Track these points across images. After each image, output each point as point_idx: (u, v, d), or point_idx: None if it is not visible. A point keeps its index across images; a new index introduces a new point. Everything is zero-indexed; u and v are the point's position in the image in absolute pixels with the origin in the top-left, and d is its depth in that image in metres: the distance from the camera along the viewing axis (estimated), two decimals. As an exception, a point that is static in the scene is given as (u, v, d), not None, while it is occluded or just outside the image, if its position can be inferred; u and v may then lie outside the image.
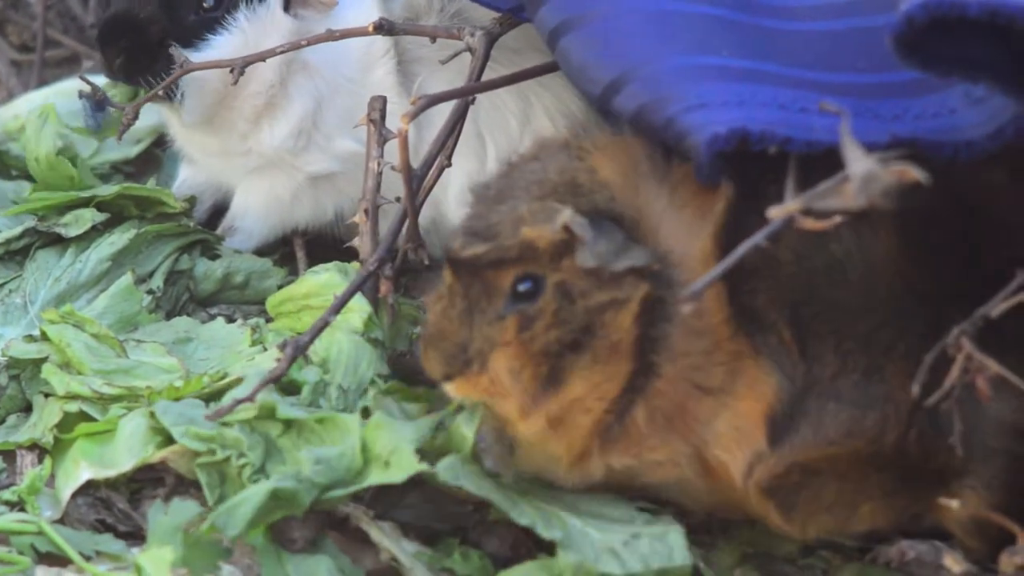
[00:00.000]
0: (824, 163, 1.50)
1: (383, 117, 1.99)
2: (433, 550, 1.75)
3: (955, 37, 1.53)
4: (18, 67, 2.73)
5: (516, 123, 2.18)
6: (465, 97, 1.99)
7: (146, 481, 1.85)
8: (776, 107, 1.65)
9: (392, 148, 1.94)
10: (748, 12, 1.79)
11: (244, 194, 2.26)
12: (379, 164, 1.98)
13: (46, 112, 2.27)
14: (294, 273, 2.19)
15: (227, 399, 1.81)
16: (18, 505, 1.83)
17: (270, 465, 1.76)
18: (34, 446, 1.90)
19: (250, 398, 1.78)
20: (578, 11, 1.79)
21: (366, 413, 1.82)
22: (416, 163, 1.97)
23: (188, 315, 2.12)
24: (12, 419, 1.96)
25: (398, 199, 1.98)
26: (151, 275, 2.13)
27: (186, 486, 1.82)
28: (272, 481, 1.70)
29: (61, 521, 1.81)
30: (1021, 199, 1.70)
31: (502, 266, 1.67)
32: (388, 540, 1.74)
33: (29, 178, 2.27)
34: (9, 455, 1.90)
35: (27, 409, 1.96)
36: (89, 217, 2.14)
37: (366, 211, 1.99)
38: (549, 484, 1.75)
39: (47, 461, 1.87)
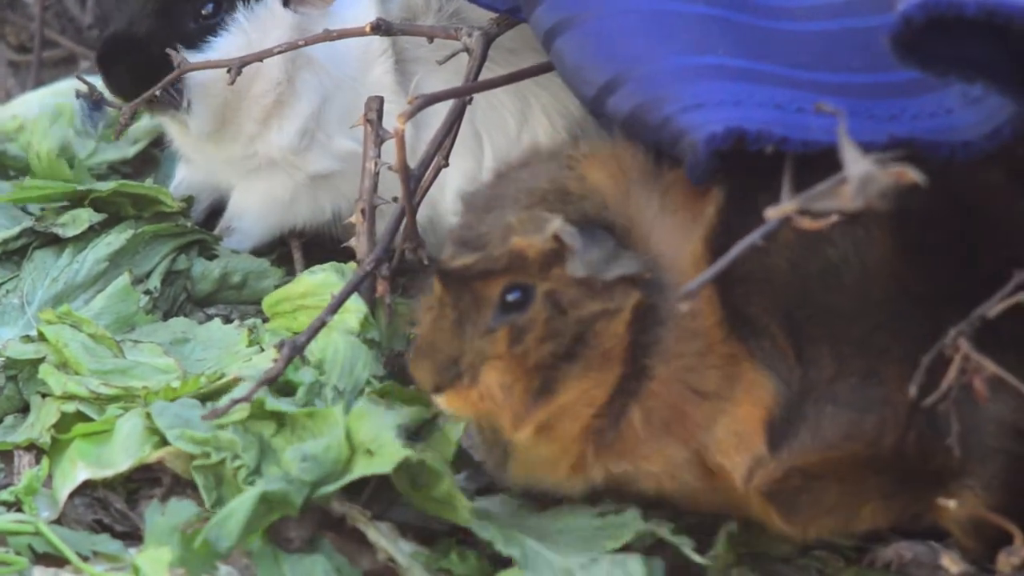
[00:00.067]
0: (820, 163, 1.50)
1: (380, 117, 1.99)
2: (430, 550, 1.75)
3: (953, 37, 1.53)
4: (16, 68, 2.73)
5: (514, 123, 2.18)
6: (462, 97, 1.99)
7: (143, 481, 1.85)
8: (773, 107, 1.65)
9: (389, 148, 1.94)
10: (745, 12, 1.79)
11: (242, 194, 2.26)
12: (376, 164, 1.98)
13: (60, 110, 2.27)
14: (291, 273, 2.18)
15: (224, 400, 1.81)
16: (15, 505, 1.83)
17: (264, 465, 1.76)
18: (31, 446, 1.89)
19: (247, 399, 1.78)
20: (573, 11, 1.79)
21: (361, 414, 1.83)
22: (413, 163, 1.97)
23: (185, 315, 2.12)
24: (9, 419, 1.96)
25: (395, 199, 1.97)
26: (148, 275, 2.13)
27: (183, 486, 1.82)
28: (260, 486, 1.70)
29: (58, 521, 1.81)
30: (1018, 199, 1.70)
31: (491, 276, 1.66)
32: (385, 540, 1.74)
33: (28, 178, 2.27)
34: (6, 455, 1.90)
35: (24, 409, 1.96)
36: (86, 217, 2.13)
37: (363, 211, 1.99)
38: (516, 506, 1.77)
39: (44, 461, 1.87)
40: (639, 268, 1.64)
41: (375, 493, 1.77)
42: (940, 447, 1.65)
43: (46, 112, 2.33)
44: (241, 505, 1.68)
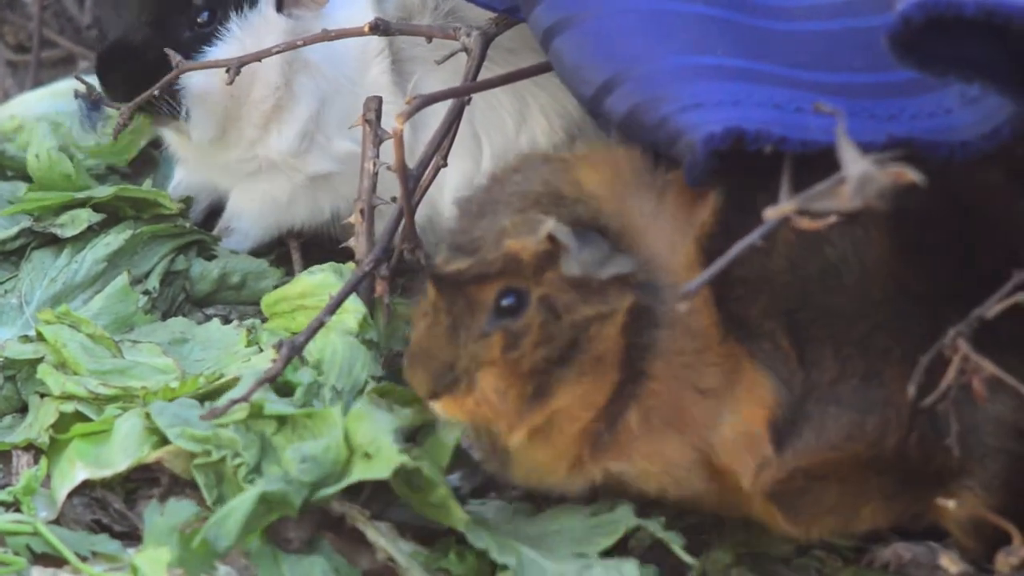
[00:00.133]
0: (819, 163, 1.50)
1: (379, 117, 1.98)
2: (429, 550, 1.75)
3: (952, 37, 1.53)
4: (14, 68, 2.73)
5: (512, 123, 2.18)
6: (461, 97, 1.99)
7: (142, 481, 1.85)
8: (771, 107, 1.65)
9: (388, 148, 1.94)
10: (743, 12, 1.79)
11: (240, 195, 2.25)
12: (375, 164, 1.98)
13: (59, 111, 2.28)
14: (290, 274, 2.18)
15: (223, 400, 1.81)
16: (14, 506, 1.83)
17: (265, 464, 1.76)
18: (30, 446, 1.89)
19: (245, 398, 1.78)
20: (572, 11, 1.78)
21: (359, 415, 1.83)
22: (412, 163, 1.97)
23: (184, 316, 2.12)
24: (8, 419, 1.95)
25: (394, 199, 1.97)
26: (147, 276, 2.13)
27: (181, 486, 1.82)
28: (260, 486, 1.70)
29: (57, 521, 1.81)
30: (1017, 199, 1.71)
31: (485, 281, 1.65)
32: (384, 540, 1.74)
33: (25, 179, 2.26)
34: (5, 455, 1.90)
35: (23, 410, 1.96)
36: (85, 218, 2.13)
37: (362, 211, 1.98)
38: (511, 511, 1.77)
39: (43, 461, 1.87)
40: (633, 268, 1.64)
41: (374, 493, 1.77)
42: (940, 447, 1.65)
43: (45, 112, 2.32)
44: (240, 505, 1.68)
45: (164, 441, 1.81)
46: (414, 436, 1.80)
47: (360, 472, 1.72)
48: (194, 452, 1.78)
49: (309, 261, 2.18)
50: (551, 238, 1.62)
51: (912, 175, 1.42)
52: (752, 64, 1.71)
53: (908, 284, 1.66)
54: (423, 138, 2.06)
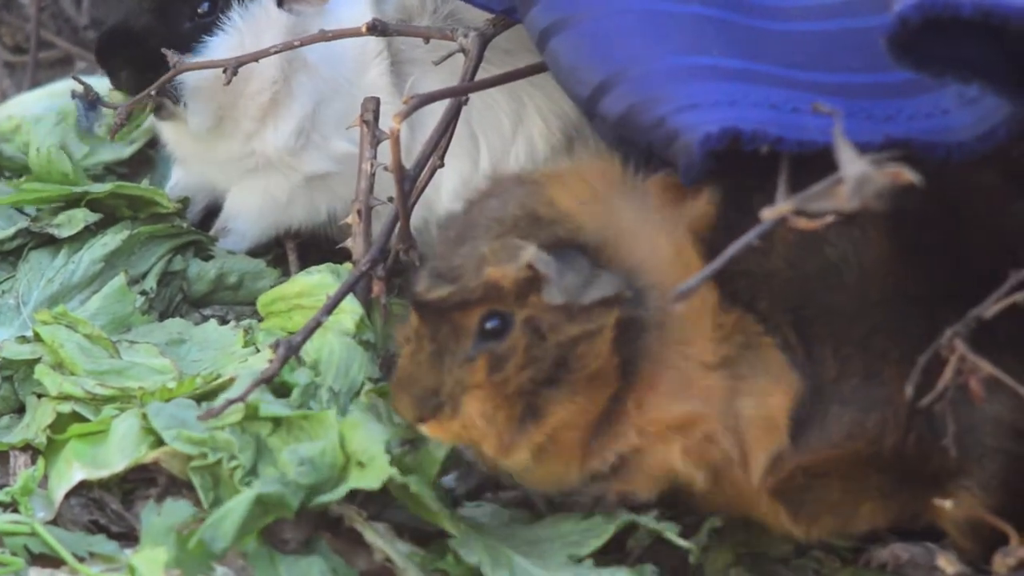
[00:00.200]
0: (816, 164, 1.50)
1: (376, 118, 1.98)
2: (426, 551, 1.75)
3: (949, 37, 1.53)
4: (11, 68, 2.73)
5: (509, 123, 2.18)
6: (458, 97, 1.99)
7: (139, 482, 1.85)
8: (768, 107, 1.65)
9: (385, 149, 1.94)
10: (740, 12, 1.79)
11: (238, 195, 2.25)
12: (372, 165, 1.98)
13: (58, 111, 2.28)
14: (287, 274, 2.18)
15: (220, 400, 1.81)
16: (11, 506, 1.83)
17: (261, 466, 1.76)
18: (27, 447, 1.89)
19: (242, 399, 1.78)
20: (568, 12, 1.78)
21: (356, 416, 1.82)
22: (409, 164, 1.96)
23: (181, 316, 2.12)
24: (5, 420, 1.95)
25: (391, 199, 1.97)
26: (144, 276, 2.13)
27: (179, 486, 1.82)
28: (256, 488, 1.70)
29: (54, 522, 1.81)
30: (1013, 200, 1.71)
31: (468, 307, 1.65)
32: (382, 541, 1.74)
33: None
34: (2, 456, 1.90)
35: (20, 410, 1.96)
36: (82, 218, 2.13)
37: (359, 212, 1.98)
38: (507, 517, 1.78)
39: (40, 462, 1.87)
40: (617, 288, 1.64)
41: (371, 494, 1.77)
42: (938, 448, 1.65)
43: (43, 113, 2.32)
44: (237, 506, 1.68)
45: (161, 442, 1.80)
46: (411, 441, 1.80)
47: (355, 480, 1.72)
48: (191, 455, 1.78)
49: (306, 262, 2.18)
50: (531, 267, 1.62)
51: (909, 176, 1.42)
52: (748, 64, 1.71)
53: (906, 284, 1.66)
54: (421, 139, 2.06)
